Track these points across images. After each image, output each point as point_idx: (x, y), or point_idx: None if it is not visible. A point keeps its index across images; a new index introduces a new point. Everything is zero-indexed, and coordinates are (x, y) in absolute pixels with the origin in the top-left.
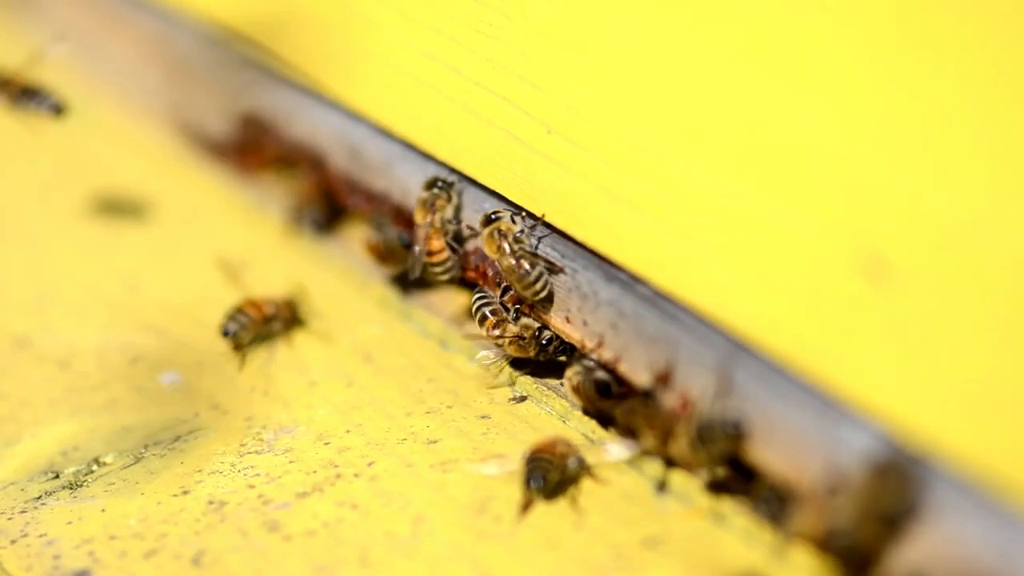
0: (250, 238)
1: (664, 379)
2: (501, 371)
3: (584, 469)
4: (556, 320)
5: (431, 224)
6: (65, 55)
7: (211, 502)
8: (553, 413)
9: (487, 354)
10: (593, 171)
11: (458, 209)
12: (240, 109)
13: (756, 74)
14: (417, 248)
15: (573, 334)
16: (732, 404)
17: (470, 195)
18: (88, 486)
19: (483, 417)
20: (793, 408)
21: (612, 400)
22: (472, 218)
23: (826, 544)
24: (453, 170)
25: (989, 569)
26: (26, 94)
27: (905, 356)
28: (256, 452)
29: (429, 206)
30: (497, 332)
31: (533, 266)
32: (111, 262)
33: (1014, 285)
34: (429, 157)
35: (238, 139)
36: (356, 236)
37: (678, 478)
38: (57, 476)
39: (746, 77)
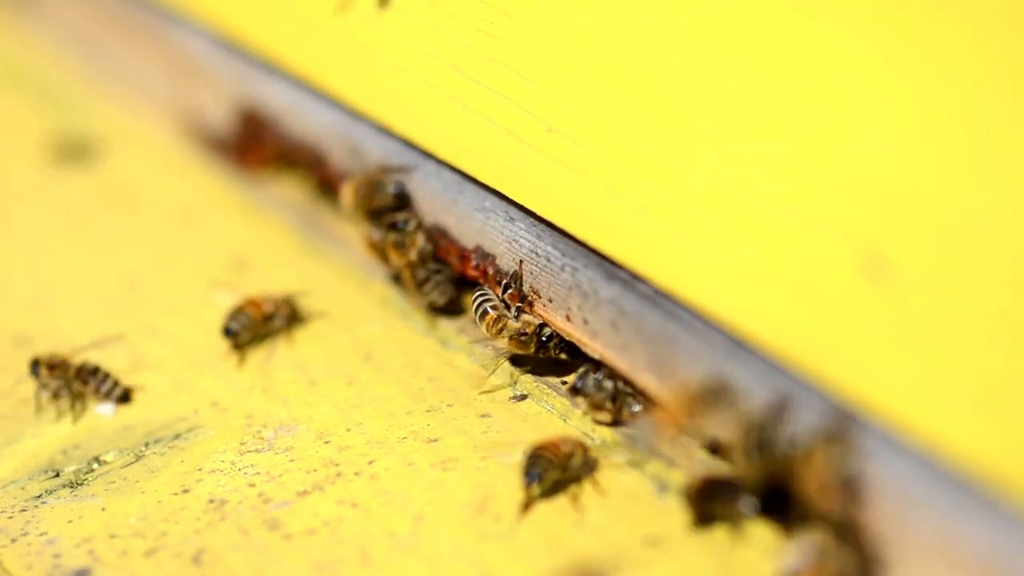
0: (250, 236)
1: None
2: (501, 369)
3: (588, 468)
4: (556, 318)
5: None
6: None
7: (211, 500)
8: (554, 412)
9: (487, 352)
10: (594, 169)
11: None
12: (241, 107)
13: (756, 72)
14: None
15: (573, 332)
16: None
17: (470, 194)
18: (88, 484)
19: (484, 416)
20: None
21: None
22: (461, 213)
23: None
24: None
25: (990, 568)
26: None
27: (905, 354)
28: (256, 450)
29: (399, 246)
30: (497, 329)
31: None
32: (112, 260)
33: (1015, 283)
34: (429, 155)
35: (239, 137)
36: (356, 235)
37: (679, 477)
38: (57, 474)
39: (746, 75)
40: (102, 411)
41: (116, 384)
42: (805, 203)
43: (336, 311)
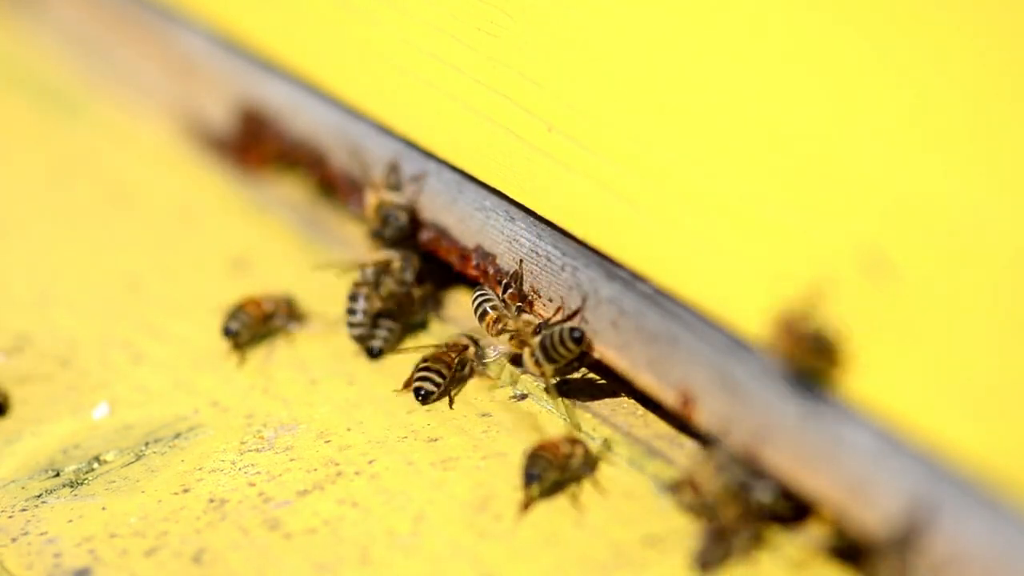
0: (251, 235)
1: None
2: (502, 368)
3: (588, 468)
4: (557, 318)
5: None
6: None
7: (212, 500)
8: (554, 411)
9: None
10: (594, 169)
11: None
12: (241, 106)
13: (756, 72)
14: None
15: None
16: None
17: (470, 193)
18: (89, 484)
19: (484, 415)
20: (792, 406)
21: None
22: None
23: None
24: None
25: (989, 568)
26: None
27: (906, 353)
28: (257, 450)
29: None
30: (497, 329)
31: None
32: (112, 260)
33: (1015, 283)
34: (430, 155)
35: (239, 136)
36: (358, 234)
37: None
38: (58, 474)
39: (746, 75)
40: (97, 412)
41: None
42: (805, 202)
43: (337, 310)
